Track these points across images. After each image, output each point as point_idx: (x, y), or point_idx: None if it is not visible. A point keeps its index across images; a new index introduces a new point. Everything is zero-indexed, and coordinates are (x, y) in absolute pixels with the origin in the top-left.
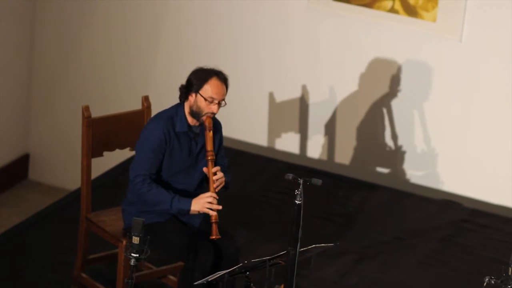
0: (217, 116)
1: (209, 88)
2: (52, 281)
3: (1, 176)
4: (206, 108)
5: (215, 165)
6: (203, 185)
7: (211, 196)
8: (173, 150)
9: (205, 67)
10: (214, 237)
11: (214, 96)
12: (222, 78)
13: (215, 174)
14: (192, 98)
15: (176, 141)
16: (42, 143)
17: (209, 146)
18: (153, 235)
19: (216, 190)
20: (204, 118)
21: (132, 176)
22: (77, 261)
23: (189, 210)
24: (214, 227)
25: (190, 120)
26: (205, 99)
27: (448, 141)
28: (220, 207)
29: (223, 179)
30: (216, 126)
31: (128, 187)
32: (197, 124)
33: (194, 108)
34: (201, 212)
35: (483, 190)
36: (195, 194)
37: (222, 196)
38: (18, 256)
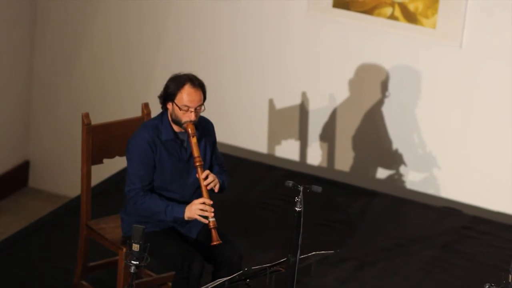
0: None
1: (183, 97)
2: None
3: (1, 183)
4: (184, 116)
5: (210, 168)
6: (200, 189)
7: (203, 203)
8: (162, 159)
9: (180, 74)
10: (215, 243)
11: (189, 104)
12: (196, 84)
13: (206, 178)
14: (170, 107)
15: (163, 149)
16: (42, 150)
17: (195, 152)
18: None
19: (214, 190)
20: (185, 126)
21: (126, 190)
22: (77, 268)
23: (183, 217)
24: (214, 233)
25: (175, 127)
26: (180, 108)
27: (448, 148)
28: (212, 214)
29: (216, 181)
30: (207, 127)
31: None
32: (183, 130)
33: (174, 117)
34: (195, 218)
35: (484, 197)
36: (192, 199)
37: (223, 202)
38: (18, 263)
